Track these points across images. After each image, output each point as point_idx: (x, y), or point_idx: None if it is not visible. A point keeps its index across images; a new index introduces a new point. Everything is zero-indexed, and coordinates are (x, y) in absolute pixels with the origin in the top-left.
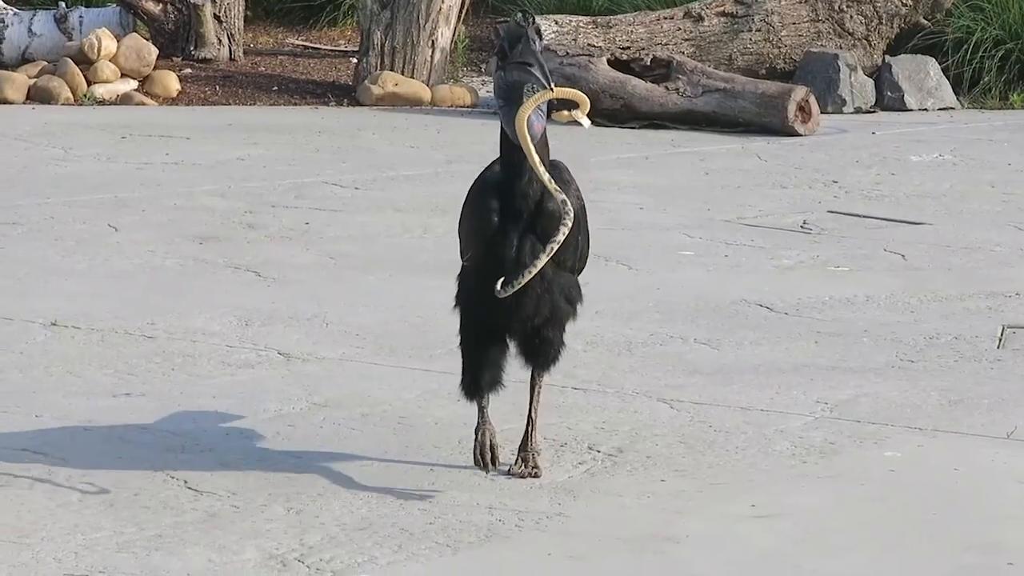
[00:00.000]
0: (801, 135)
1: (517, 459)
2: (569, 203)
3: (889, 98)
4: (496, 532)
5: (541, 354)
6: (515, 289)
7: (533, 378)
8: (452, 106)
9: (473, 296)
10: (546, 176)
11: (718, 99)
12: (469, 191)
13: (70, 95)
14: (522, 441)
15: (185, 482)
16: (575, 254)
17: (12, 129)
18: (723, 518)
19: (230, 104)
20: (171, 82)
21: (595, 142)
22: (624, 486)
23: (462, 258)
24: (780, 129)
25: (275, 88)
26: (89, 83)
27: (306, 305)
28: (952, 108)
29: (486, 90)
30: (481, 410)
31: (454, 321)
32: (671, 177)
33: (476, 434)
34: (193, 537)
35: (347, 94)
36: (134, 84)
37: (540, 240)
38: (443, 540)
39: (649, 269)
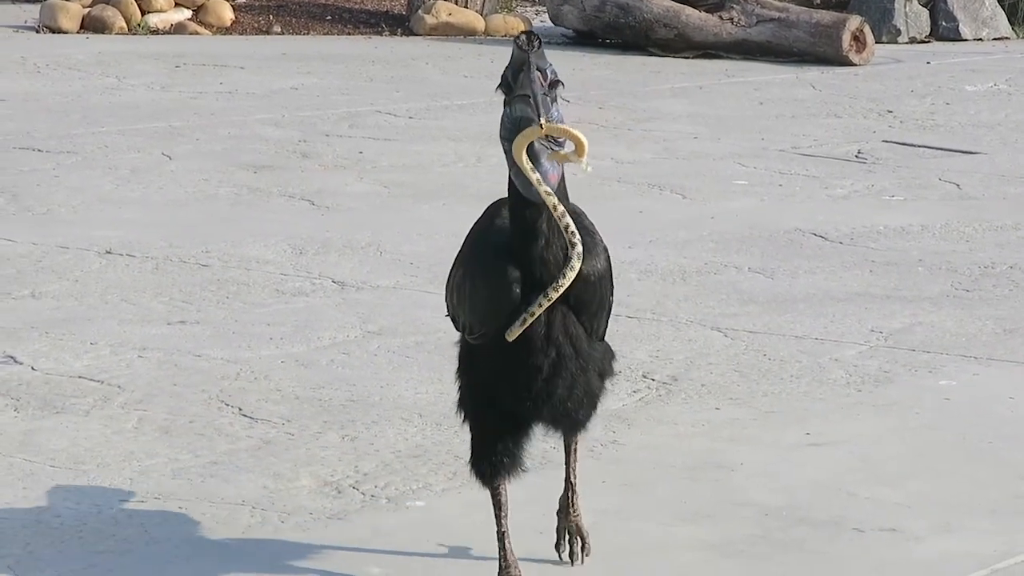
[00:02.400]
0: (855, 65)
1: (560, 538)
2: (578, 239)
3: (944, 28)
4: (550, 459)
5: (572, 430)
6: (520, 331)
7: (567, 441)
8: (506, 36)
9: (490, 382)
10: (562, 213)
11: (772, 29)
12: (472, 252)
13: (124, 24)
14: (561, 511)
15: (240, 409)
16: (606, 317)
17: (66, 59)
18: (778, 446)
19: (284, 34)
20: (225, 11)
21: (649, 72)
22: (678, 414)
23: (461, 330)
24: (834, 59)
25: (328, 18)
26: (143, 12)
27: (360, 234)
28: (1007, 38)
29: (539, 20)
30: (502, 535)
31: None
32: (725, 107)
33: (499, 564)
34: (248, 464)
35: (400, 24)
36: (188, 13)
37: (574, 310)
38: None
39: (703, 198)
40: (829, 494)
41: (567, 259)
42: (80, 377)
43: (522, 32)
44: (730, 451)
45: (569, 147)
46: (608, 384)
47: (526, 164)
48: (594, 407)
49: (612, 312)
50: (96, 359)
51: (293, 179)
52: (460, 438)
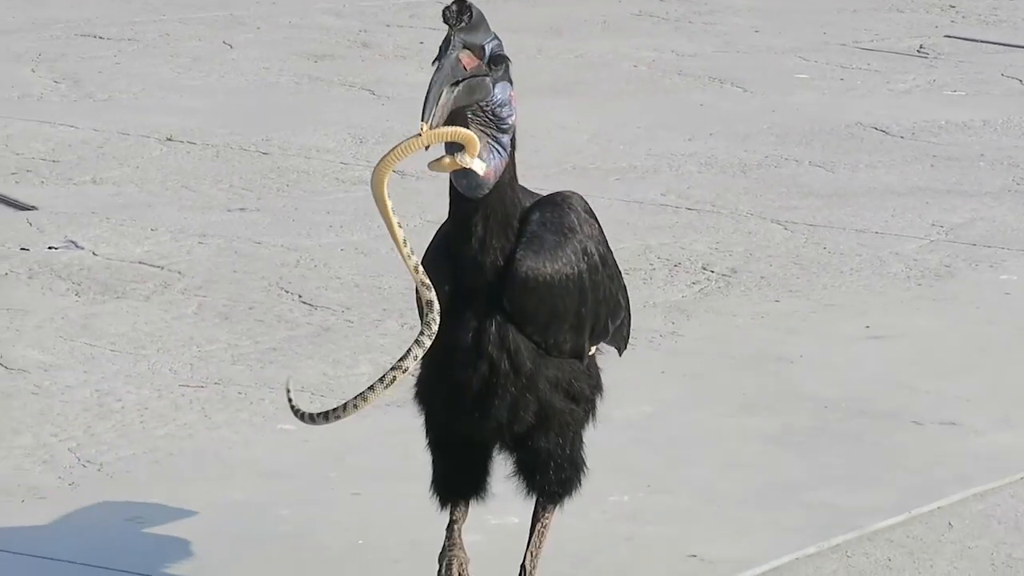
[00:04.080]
0: None
1: None
2: (436, 309)
3: None
4: (609, 349)
5: (539, 472)
6: (329, 423)
7: (536, 510)
8: None
9: (428, 392)
10: (412, 263)
11: None
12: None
13: None
14: None
15: (299, 296)
16: (575, 332)
17: None
18: (837, 339)
19: None
20: None
21: None
22: (738, 306)
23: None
24: None
25: None
26: None
27: (419, 123)
28: None
29: None
30: (451, 526)
31: (566, 151)
32: (786, 1)
33: (440, 563)
34: (307, 351)
35: None
36: None
37: (514, 320)
38: None
39: (764, 92)
40: (888, 387)
41: (416, 336)
42: (140, 263)
43: (454, 1)
44: (789, 343)
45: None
46: (590, 406)
47: (386, 202)
48: (565, 436)
49: (611, 325)
50: (156, 245)
51: (353, 68)
52: None
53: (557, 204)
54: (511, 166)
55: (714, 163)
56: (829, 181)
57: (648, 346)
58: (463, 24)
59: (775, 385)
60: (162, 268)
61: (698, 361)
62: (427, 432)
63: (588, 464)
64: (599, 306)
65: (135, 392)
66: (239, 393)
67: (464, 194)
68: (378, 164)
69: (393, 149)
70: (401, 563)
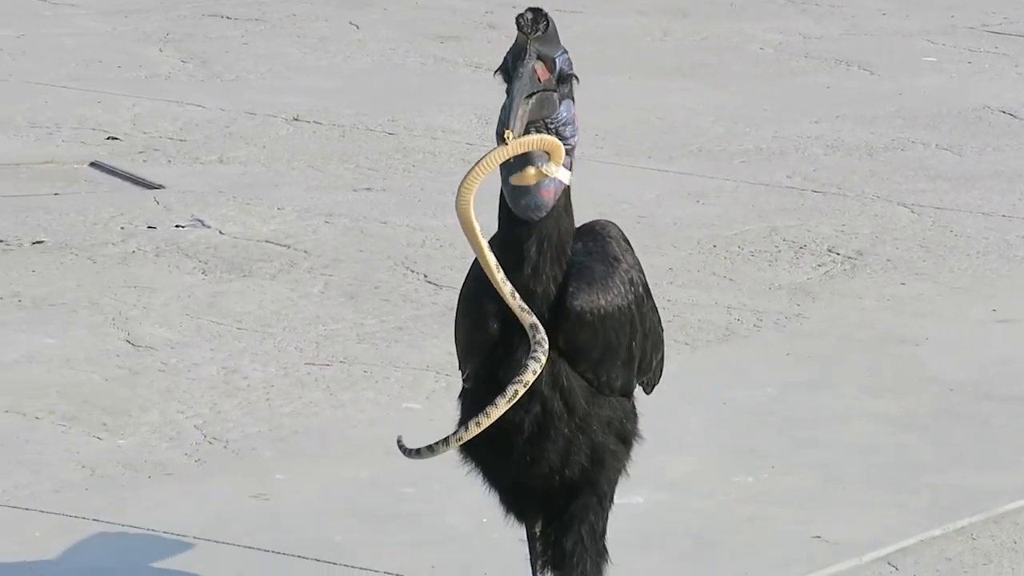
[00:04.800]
0: None
1: None
2: (541, 331)
3: None
4: (735, 331)
5: (582, 513)
6: (434, 455)
7: (576, 530)
8: None
9: (477, 441)
10: (508, 290)
11: None
12: (466, 278)
13: None
14: None
15: (425, 276)
16: (625, 368)
17: None
18: (963, 322)
19: None
20: None
21: None
22: (863, 288)
23: (461, 375)
24: None
25: None
26: None
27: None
28: None
29: None
30: (531, 540)
31: (692, 133)
32: None
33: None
34: (433, 330)
35: None
36: None
37: (567, 357)
38: (682, 338)
39: (891, 75)
40: (1014, 370)
41: (529, 353)
42: (267, 242)
43: (529, 8)
44: (915, 326)
45: (543, 158)
46: (631, 450)
47: (474, 226)
48: (612, 480)
49: (654, 360)
50: (283, 224)
51: (480, 49)
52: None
53: (597, 234)
54: (567, 190)
55: (840, 146)
56: (956, 164)
57: (773, 328)
58: (539, 32)
59: (900, 368)
60: (288, 247)
61: (823, 343)
62: (476, 471)
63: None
64: (645, 340)
65: (261, 370)
66: (364, 372)
67: (520, 216)
68: (462, 184)
69: (477, 164)
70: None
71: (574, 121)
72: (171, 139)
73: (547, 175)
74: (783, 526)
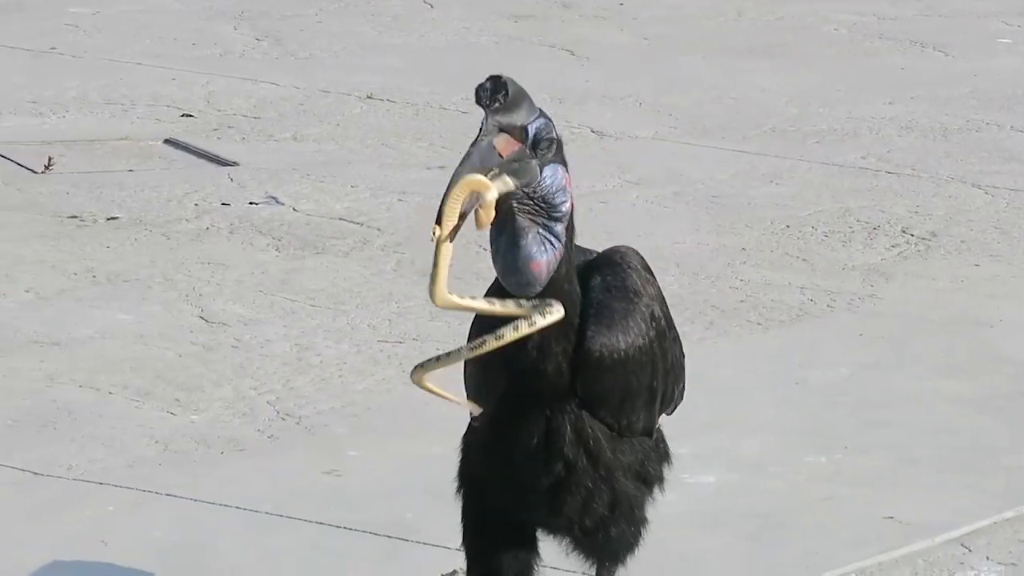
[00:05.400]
0: None
1: None
2: (555, 305)
3: None
4: (807, 311)
5: (605, 551)
6: (427, 371)
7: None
8: None
9: (479, 475)
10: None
11: None
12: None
13: None
14: None
15: None
16: (647, 408)
17: None
18: None
19: None
20: None
21: None
22: (937, 269)
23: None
24: None
25: None
26: None
27: (619, 84)
28: None
29: None
30: None
31: (765, 113)
32: None
33: None
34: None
35: None
36: None
37: (586, 405)
38: (754, 318)
39: (966, 56)
40: None
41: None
42: (340, 219)
43: (489, 76)
44: (989, 307)
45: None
46: (658, 485)
47: (461, 304)
48: (634, 520)
49: (676, 392)
50: (356, 202)
51: (553, 29)
52: (717, 288)
53: (616, 264)
54: (567, 256)
55: (915, 127)
56: None
57: (847, 309)
58: (497, 104)
59: (974, 349)
60: (361, 224)
61: (896, 324)
62: (467, 525)
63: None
64: (667, 375)
65: (334, 347)
66: (437, 349)
67: (513, 294)
68: (432, 286)
69: (435, 269)
70: None
71: (566, 186)
72: (245, 116)
73: (489, 200)
74: (855, 507)
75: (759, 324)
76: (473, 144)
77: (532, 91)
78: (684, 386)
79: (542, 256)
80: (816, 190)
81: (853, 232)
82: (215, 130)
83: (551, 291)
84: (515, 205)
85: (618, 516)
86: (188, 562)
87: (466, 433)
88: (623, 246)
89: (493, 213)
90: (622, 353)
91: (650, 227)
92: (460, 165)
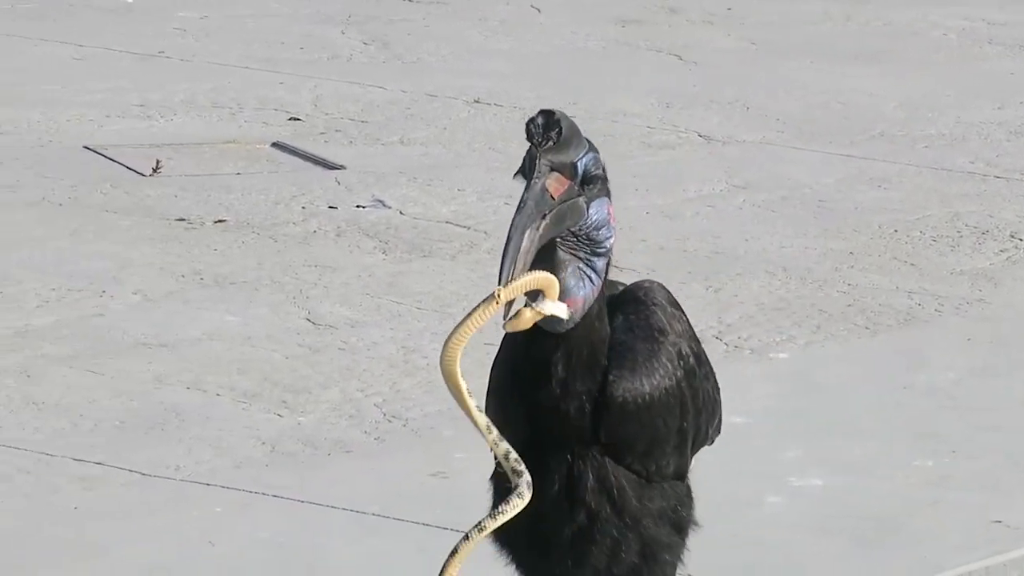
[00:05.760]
0: None
1: None
2: (525, 476)
3: None
4: (915, 316)
5: None
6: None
7: None
8: None
9: (511, 536)
10: (502, 450)
11: None
12: (495, 370)
13: None
14: None
15: None
16: (678, 452)
17: None
18: None
19: None
20: None
21: None
22: None
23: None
24: None
25: None
26: None
27: (726, 89)
28: None
29: None
30: None
31: (873, 118)
32: None
33: None
34: None
35: None
36: None
37: (610, 452)
38: (862, 322)
39: None
40: None
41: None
42: (447, 222)
43: (540, 112)
44: None
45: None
46: (689, 530)
47: (460, 385)
48: (665, 571)
49: (711, 431)
50: (463, 205)
51: (660, 33)
52: (824, 292)
53: (640, 301)
54: (601, 294)
55: (1023, 131)
56: None
57: (955, 313)
58: (550, 144)
59: None
60: (468, 228)
61: (1005, 328)
62: (512, 567)
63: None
64: (699, 416)
65: (440, 350)
66: None
67: (546, 328)
68: (448, 342)
69: (465, 321)
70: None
71: (609, 220)
72: (352, 120)
73: (543, 314)
74: (963, 511)
75: (867, 328)
76: (527, 189)
77: (639, 96)
78: (720, 419)
79: (580, 292)
80: (924, 194)
81: (961, 236)
82: (322, 133)
83: (582, 329)
84: (558, 242)
85: (651, 565)
86: (295, 563)
87: (492, 475)
88: (647, 281)
89: (528, 325)
90: (647, 397)
91: (757, 231)
92: (517, 214)
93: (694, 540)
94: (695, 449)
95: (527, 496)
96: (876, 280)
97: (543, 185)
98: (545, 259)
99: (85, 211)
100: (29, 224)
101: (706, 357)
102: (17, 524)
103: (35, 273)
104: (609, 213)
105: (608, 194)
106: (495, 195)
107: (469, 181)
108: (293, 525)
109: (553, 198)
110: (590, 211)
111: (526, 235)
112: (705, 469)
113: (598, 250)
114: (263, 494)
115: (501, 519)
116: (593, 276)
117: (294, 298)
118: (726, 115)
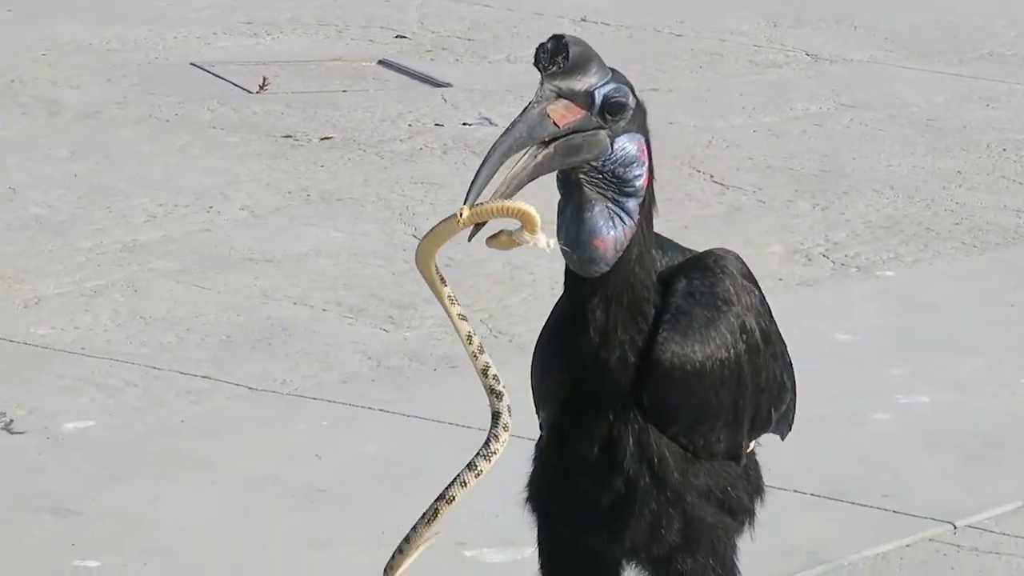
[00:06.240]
0: None
1: None
2: (506, 414)
3: None
4: (1023, 234)
5: None
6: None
7: None
8: None
9: (543, 499)
10: (473, 348)
11: None
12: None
13: None
14: None
15: (711, 176)
16: (730, 429)
17: None
18: None
19: None
20: None
21: None
22: None
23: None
24: None
25: None
26: None
27: (834, 8)
28: None
29: None
30: None
31: (983, 36)
32: None
33: None
34: (719, 228)
35: None
36: None
37: (655, 420)
38: (969, 240)
39: None
40: None
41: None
42: None
43: (552, 35)
44: None
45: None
46: (744, 519)
47: (439, 287)
48: (715, 555)
49: (774, 414)
50: None
51: None
52: (932, 211)
53: (708, 268)
54: (641, 237)
55: None
56: None
57: None
58: (555, 68)
59: None
60: None
61: None
62: (540, 544)
63: None
64: (760, 395)
65: (546, 266)
66: None
67: (577, 272)
68: (419, 247)
69: (431, 231)
70: None
71: (639, 158)
72: (459, 38)
73: (517, 243)
74: None
75: (974, 247)
76: (522, 112)
77: (747, 15)
78: (792, 409)
79: (609, 232)
80: None
81: None
82: (428, 51)
83: (620, 271)
84: (582, 178)
85: (695, 547)
86: (402, 476)
87: (537, 440)
88: (722, 249)
89: (507, 248)
90: (697, 364)
91: (864, 150)
92: (503, 135)
93: (791, 457)
94: (755, 433)
95: (497, 448)
96: (984, 199)
97: (543, 111)
98: (571, 197)
99: (192, 128)
100: (137, 140)
101: (779, 338)
102: (125, 437)
103: (143, 189)
104: (641, 150)
105: (644, 130)
106: None
107: None
108: (399, 439)
109: (557, 126)
110: (614, 146)
111: (521, 161)
112: (812, 386)
113: (626, 189)
114: (369, 408)
115: (494, 459)
116: (624, 216)
117: (400, 215)
118: (833, 34)
